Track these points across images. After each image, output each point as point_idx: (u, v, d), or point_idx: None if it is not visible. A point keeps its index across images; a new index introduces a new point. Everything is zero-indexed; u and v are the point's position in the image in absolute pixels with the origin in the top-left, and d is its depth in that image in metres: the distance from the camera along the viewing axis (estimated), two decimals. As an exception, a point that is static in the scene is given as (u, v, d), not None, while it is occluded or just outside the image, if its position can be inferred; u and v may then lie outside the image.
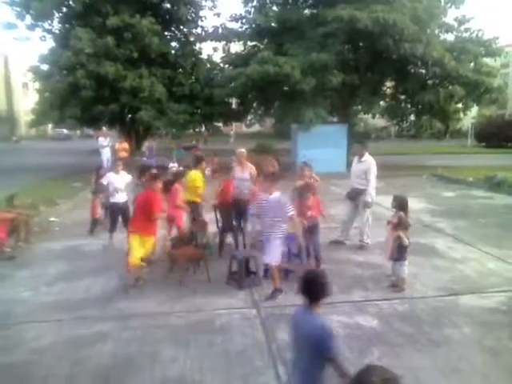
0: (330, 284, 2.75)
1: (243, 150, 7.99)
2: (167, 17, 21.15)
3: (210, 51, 22.29)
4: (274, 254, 5.49)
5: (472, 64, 19.08)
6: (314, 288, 2.73)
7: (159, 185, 6.27)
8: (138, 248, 5.88)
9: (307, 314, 2.74)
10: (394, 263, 5.89)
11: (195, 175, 7.46)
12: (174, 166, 15.86)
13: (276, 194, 5.47)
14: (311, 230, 6.38)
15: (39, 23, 19.56)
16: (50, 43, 20.39)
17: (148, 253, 6.18)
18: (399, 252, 5.77)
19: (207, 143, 31.54)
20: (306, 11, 20.77)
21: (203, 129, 23.01)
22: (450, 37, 20.43)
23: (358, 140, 10.28)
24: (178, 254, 6.29)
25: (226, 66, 21.64)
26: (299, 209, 6.30)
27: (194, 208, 7.26)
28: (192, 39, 22.21)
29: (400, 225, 5.77)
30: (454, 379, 3.85)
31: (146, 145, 18.89)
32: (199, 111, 20.16)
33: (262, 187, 5.80)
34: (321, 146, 17.03)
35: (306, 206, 6.40)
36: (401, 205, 6.04)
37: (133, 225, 6.13)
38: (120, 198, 7.91)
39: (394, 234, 5.77)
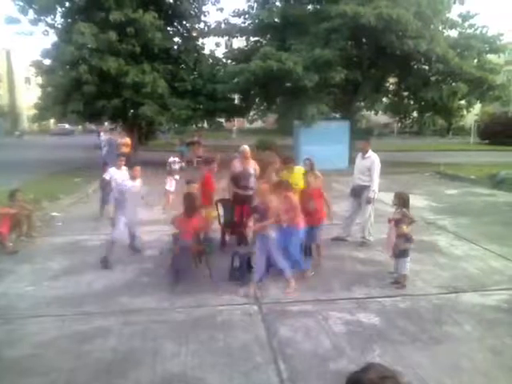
0: None
1: (246, 146, 7.98)
2: (170, 12, 21.05)
3: (213, 47, 22.24)
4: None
5: (476, 61, 19.01)
6: None
7: (214, 167, 7.46)
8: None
9: None
10: (396, 260, 5.89)
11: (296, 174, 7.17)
12: (175, 161, 15.85)
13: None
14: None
15: (42, 18, 19.45)
16: (53, 38, 20.33)
17: (211, 218, 7.20)
18: (401, 249, 5.77)
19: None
20: (310, 7, 20.69)
21: (205, 124, 22.99)
22: (453, 33, 20.37)
23: (362, 136, 10.28)
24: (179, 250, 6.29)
25: (229, 61, 21.59)
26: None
27: None
28: (195, 34, 22.10)
29: (404, 221, 5.77)
30: (455, 377, 3.85)
31: (104, 138, 17.35)
32: (201, 107, 20.08)
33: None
34: (323, 143, 17.00)
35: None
36: (402, 202, 6.04)
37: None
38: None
39: (398, 232, 5.77)
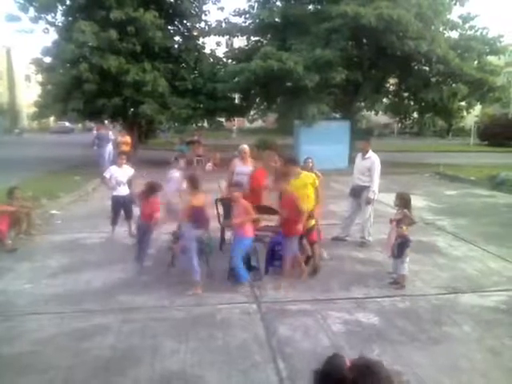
0: None
1: (246, 146, 7.96)
2: (170, 11, 21.06)
3: (214, 46, 22.24)
4: None
5: (476, 62, 19.04)
6: None
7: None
8: None
9: None
10: (395, 260, 5.89)
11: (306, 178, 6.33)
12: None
13: None
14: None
15: (42, 16, 19.47)
16: (53, 36, 20.35)
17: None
18: (400, 249, 5.77)
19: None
20: (310, 7, 20.70)
21: (205, 123, 22.99)
22: (454, 34, 20.39)
23: (362, 136, 10.28)
24: (178, 249, 6.30)
25: (229, 60, 21.59)
26: None
27: None
28: (195, 34, 22.13)
29: (404, 221, 5.77)
30: (454, 377, 3.85)
31: (94, 132, 17.44)
32: (202, 106, 20.11)
33: None
34: (323, 142, 16.99)
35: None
36: (404, 202, 6.04)
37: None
38: (122, 191, 7.94)
39: (398, 232, 5.77)
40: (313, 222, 6.31)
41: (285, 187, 5.97)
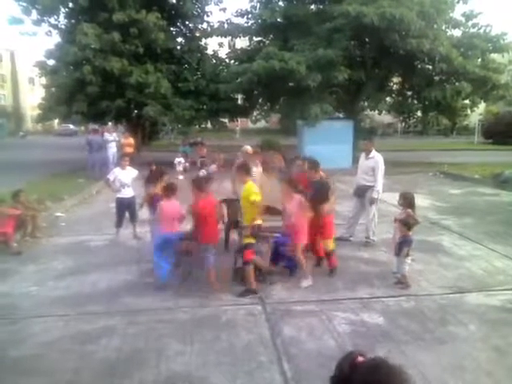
0: None
1: (249, 146, 7.97)
2: (173, 12, 21.10)
3: (216, 47, 22.25)
4: None
5: (479, 60, 18.94)
6: None
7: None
8: None
9: None
10: (397, 259, 5.87)
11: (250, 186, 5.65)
12: (180, 162, 15.91)
13: None
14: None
15: (45, 18, 19.54)
16: (56, 38, 20.44)
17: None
18: (401, 248, 5.76)
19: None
20: (313, 6, 20.69)
21: (209, 124, 23.02)
22: (457, 32, 20.29)
23: (365, 136, 10.23)
24: (183, 249, 6.30)
25: (232, 61, 21.59)
26: None
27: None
28: (198, 34, 22.18)
29: (408, 221, 5.75)
30: (459, 377, 3.84)
31: (88, 137, 17.00)
32: (205, 107, 20.15)
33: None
34: (327, 142, 16.98)
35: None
36: (408, 202, 6.02)
37: None
38: (127, 193, 7.96)
39: (401, 232, 5.76)
40: (248, 239, 5.60)
41: (202, 190, 5.72)
